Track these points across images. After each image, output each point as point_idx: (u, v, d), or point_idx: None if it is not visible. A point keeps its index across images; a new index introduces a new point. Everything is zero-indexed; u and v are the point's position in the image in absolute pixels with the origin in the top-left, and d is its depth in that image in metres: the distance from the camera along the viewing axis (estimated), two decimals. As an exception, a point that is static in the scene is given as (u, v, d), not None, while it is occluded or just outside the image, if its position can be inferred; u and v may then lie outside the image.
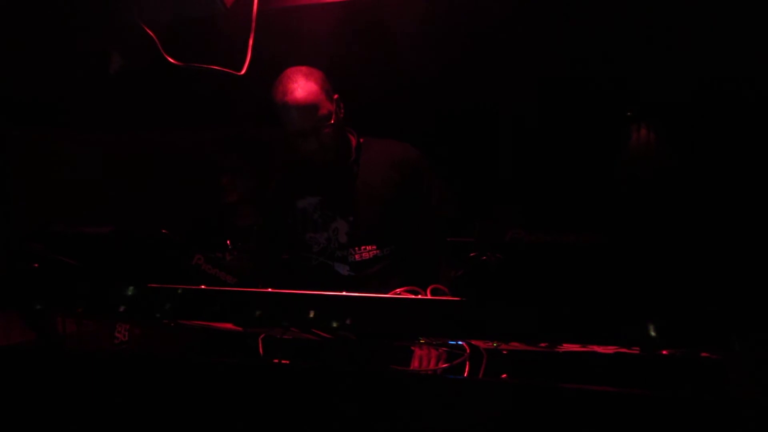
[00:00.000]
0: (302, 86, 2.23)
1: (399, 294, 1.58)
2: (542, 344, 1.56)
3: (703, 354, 1.42)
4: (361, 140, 2.49)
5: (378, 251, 2.37)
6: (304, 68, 2.29)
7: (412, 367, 2.01)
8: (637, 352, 1.50)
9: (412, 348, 2.00)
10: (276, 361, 1.60)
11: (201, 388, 1.41)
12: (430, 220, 2.40)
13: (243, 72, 2.22)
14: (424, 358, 2.01)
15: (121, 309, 1.44)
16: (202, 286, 1.41)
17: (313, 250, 2.44)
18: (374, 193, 2.39)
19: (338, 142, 2.37)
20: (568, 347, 1.56)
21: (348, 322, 1.29)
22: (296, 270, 2.54)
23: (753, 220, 3.11)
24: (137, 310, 1.45)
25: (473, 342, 1.57)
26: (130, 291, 1.43)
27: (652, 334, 1.14)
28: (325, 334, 1.44)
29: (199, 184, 3.10)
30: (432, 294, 1.61)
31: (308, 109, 2.24)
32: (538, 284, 1.20)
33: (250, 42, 2.22)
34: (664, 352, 1.47)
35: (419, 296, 1.58)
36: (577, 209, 3.53)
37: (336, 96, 2.33)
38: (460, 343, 1.59)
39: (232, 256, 2.81)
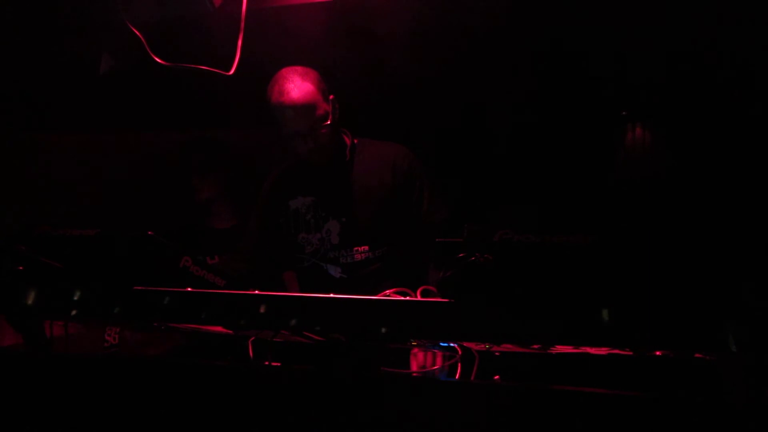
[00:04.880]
0: (298, 86, 2.22)
1: (388, 295, 1.57)
2: (535, 346, 1.55)
3: (697, 355, 1.41)
4: (356, 141, 2.48)
5: (370, 253, 2.36)
6: (299, 68, 2.28)
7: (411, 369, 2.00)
8: (630, 353, 1.49)
9: (412, 352, 1.99)
10: (266, 363, 1.58)
11: (192, 391, 1.40)
12: (419, 225, 2.39)
13: (232, 72, 2.21)
14: (424, 362, 2.01)
15: (114, 312, 1.43)
16: (188, 289, 1.40)
17: (305, 251, 2.42)
18: (367, 195, 2.38)
19: (334, 142, 2.37)
20: (560, 349, 1.55)
21: (338, 324, 1.28)
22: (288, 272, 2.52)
23: (748, 220, 3.10)
24: (127, 314, 1.43)
25: (465, 344, 1.55)
26: (118, 294, 1.41)
27: (645, 334, 1.13)
28: (315, 337, 1.43)
29: (187, 185, 3.09)
30: (422, 295, 1.60)
31: (304, 109, 2.23)
32: (528, 285, 1.18)
33: (239, 42, 2.20)
34: (658, 353, 1.46)
35: (408, 298, 1.56)
36: (568, 210, 3.52)
37: (332, 96, 2.32)
38: (452, 345, 1.58)
39: (221, 259, 2.79)
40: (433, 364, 2.00)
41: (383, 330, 1.26)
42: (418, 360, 2.05)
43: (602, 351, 1.49)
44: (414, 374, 1.99)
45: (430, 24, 2.75)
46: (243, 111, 3.01)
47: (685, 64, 3.19)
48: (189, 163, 3.05)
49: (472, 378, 1.59)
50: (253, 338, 1.74)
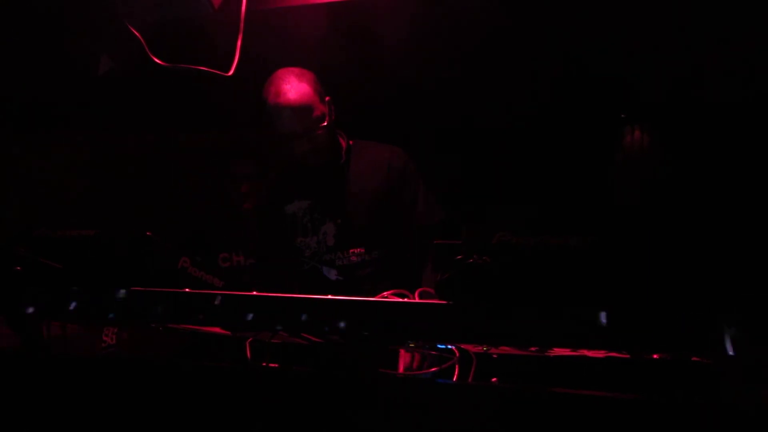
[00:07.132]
0: (295, 87, 2.21)
1: (386, 297, 1.57)
2: (532, 348, 1.55)
3: (694, 358, 1.41)
4: (351, 143, 2.48)
5: (366, 255, 2.36)
6: (296, 69, 2.27)
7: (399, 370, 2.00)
8: (628, 356, 1.49)
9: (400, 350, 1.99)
10: (264, 364, 1.58)
11: (189, 392, 1.39)
12: (415, 226, 2.39)
13: (231, 73, 2.21)
14: (412, 362, 2.00)
15: (112, 313, 1.42)
16: (186, 290, 1.40)
17: (305, 254, 2.42)
18: (363, 196, 2.38)
19: (330, 144, 2.36)
20: (558, 351, 1.55)
21: (336, 325, 1.28)
22: (287, 275, 2.52)
23: (746, 222, 3.11)
24: (125, 314, 1.43)
25: (463, 346, 1.55)
26: (118, 295, 1.41)
27: (642, 337, 1.13)
28: (313, 338, 1.43)
29: (187, 187, 3.10)
30: (420, 297, 1.60)
31: (301, 110, 2.21)
32: (526, 287, 1.18)
33: (239, 43, 2.20)
34: (655, 356, 1.46)
35: (406, 299, 1.56)
36: (567, 211, 3.53)
37: (328, 98, 2.32)
38: (449, 347, 1.58)
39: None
40: (421, 366, 2.01)
41: (381, 331, 1.26)
42: (405, 361, 2.05)
43: (600, 354, 1.49)
44: (411, 376, 1.99)
45: (427, 25, 2.76)
46: (241, 112, 3.02)
47: (683, 67, 3.20)
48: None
49: (469, 380, 1.59)
50: (250, 339, 1.73)
